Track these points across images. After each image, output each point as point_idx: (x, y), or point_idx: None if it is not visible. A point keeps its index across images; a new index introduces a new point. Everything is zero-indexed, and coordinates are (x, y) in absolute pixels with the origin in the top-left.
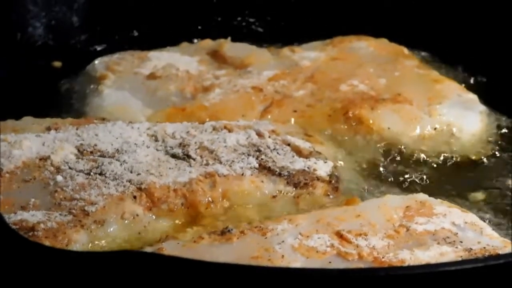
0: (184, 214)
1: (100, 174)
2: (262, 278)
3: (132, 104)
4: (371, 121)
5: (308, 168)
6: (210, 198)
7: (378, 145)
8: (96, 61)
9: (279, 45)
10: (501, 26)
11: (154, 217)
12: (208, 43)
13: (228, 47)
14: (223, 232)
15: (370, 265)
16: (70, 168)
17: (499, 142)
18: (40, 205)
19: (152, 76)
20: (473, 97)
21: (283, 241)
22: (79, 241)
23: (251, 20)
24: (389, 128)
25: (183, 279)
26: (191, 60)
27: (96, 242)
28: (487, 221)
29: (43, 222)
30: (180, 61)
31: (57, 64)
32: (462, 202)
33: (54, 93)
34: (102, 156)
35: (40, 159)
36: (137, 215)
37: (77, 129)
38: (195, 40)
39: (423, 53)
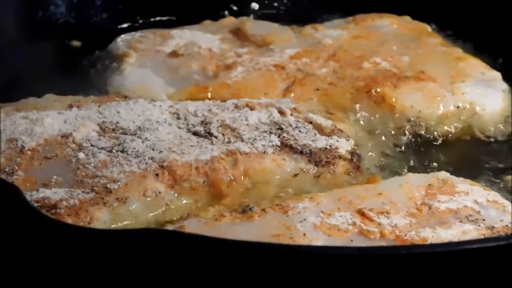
0: (205, 192)
1: (122, 151)
2: (283, 256)
3: (154, 82)
4: (393, 99)
5: (329, 146)
6: (231, 176)
7: (400, 123)
8: (118, 39)
9: (301, 23)
10: None
11: (176, 195)
12: (230, 21)
13: (251, 25)
14: (245, 210)
15: (392, 244)
16: (92, 145)
17: None
18: (62, 183)
19: (174, 54)
20: (496, 74)
21: (304, 219)
22: (101, 218)
23: None
24: (411, 106)
25: (204, 257)
26: (213, 38)
27: (118, 220)
28: (509, 199)
29: (65, 199)
30: (202, 39)
31: (76, 43)
32: (485, 180)
33: (76, 71)
34: (124, 133)
35: (62, 137)
36: (159, 192)
37: (99, 106)
38: (217, 18)
39: (446, 31)
